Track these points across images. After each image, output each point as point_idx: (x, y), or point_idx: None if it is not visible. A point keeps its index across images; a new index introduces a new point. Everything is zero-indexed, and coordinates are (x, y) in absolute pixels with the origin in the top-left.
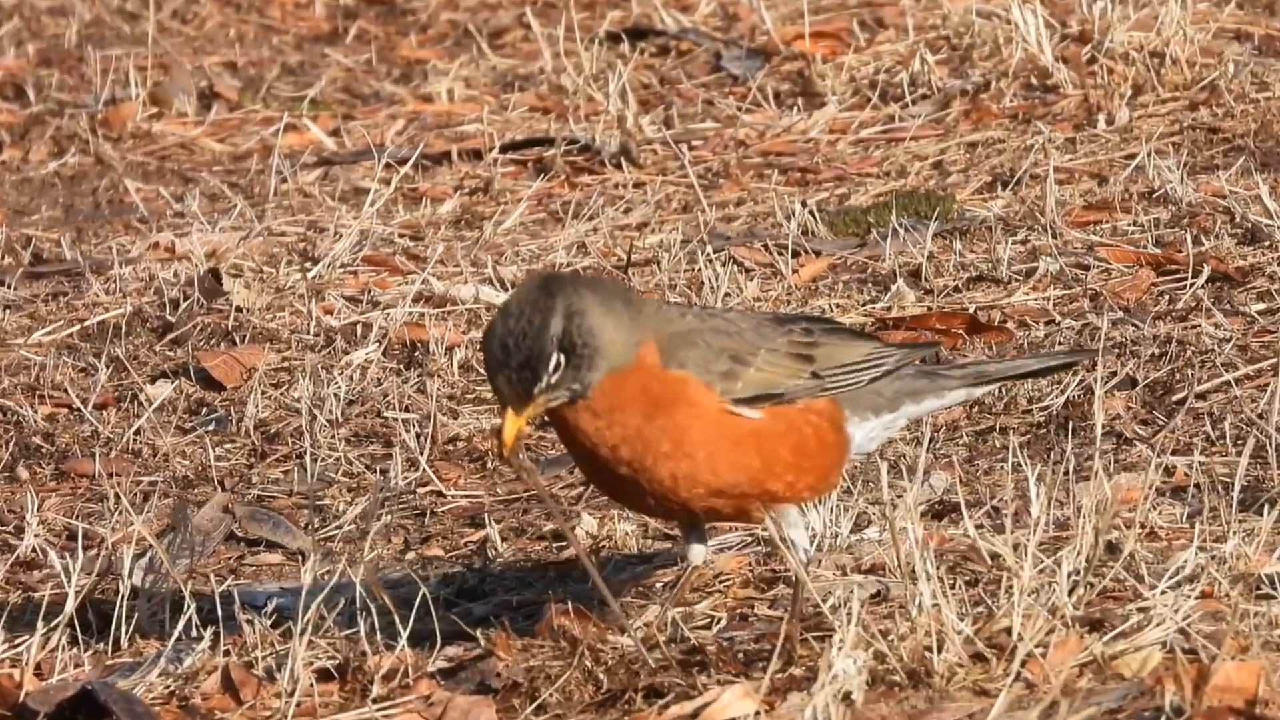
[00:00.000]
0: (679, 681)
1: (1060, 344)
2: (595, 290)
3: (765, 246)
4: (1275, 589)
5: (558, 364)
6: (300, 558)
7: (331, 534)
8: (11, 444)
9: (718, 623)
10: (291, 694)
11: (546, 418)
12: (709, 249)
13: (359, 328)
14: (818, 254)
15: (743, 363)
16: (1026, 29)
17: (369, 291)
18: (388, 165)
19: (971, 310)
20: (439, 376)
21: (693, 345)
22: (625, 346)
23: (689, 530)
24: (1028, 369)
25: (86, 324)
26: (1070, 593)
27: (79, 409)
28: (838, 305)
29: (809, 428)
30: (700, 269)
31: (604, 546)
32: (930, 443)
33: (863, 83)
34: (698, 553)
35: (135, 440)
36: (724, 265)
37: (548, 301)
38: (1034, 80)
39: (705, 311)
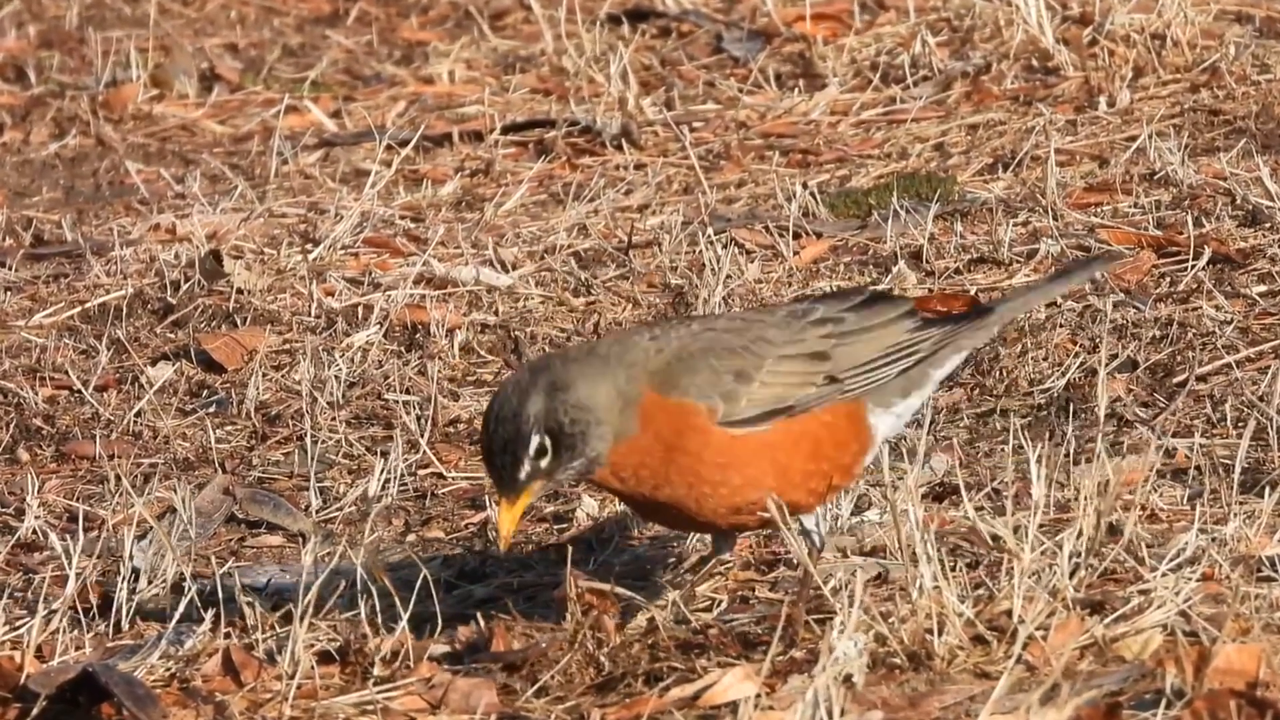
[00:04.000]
0: (679, 665)
1: (1061, 325)
2: (581, 359)
3: (766, 228)
4: (1276, 571)
5: (542, 447)
6: (301, 540)
7: (332, 516)
8: (12, 426)
9: (719, 605)
10: (292, 676)
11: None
12: (710, 231)
13: (360, 310)
14: (819, 236)
15: (746, 379)
16: (1027, 11)
17: (370, 273)
18: (389, 147)
19: (973, 292)
20: (440, 358)
21: (692, 370)
22: (627, 408)
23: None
24: (1055, 289)
25: (87, 306)
26: (1071, 575)
27: (80, 391)
28: (838, 288)
29: (823, 429)
30: (701, 251)
31: (605, 528)
32: (931, 425)
33: (864, 64)
34: (725, 554)
35: (136, 422)
36: (725, 247)
37: (529, 379)
38: (1035, 62)
39: (705, 321)
